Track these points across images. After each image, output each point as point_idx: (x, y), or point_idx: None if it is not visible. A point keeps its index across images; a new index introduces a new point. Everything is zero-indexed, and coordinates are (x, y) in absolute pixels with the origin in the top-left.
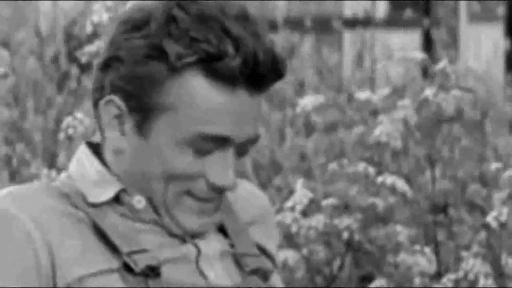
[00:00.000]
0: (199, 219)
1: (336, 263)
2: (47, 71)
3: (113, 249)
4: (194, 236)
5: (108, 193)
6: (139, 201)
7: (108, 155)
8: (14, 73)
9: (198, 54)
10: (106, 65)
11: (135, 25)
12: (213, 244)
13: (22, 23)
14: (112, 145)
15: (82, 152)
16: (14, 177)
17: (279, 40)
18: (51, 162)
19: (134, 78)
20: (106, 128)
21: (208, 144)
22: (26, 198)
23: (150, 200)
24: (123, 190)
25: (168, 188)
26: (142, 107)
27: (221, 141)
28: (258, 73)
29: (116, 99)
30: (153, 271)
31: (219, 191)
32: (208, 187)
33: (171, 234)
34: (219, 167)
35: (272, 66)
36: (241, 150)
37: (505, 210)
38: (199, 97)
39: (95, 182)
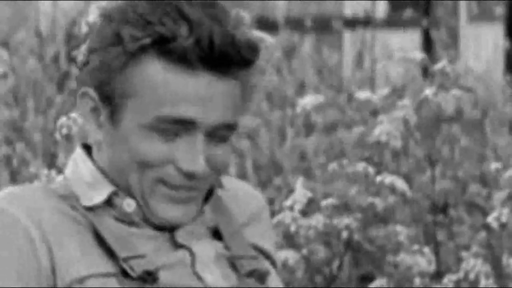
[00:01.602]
0: (175, 208)
1: (336, 263)
2: (47, 71)
3: (111, 253)
4: (187, 239)
5: (100, 196)
6: (128, 204)
7: (94, 152)
8: (14, 73)
9: (152, 36)
10: (86, 59)
11: (105, 16)
12: (208, 248)
13: (22, 23)
14: (92, 139)
15: (77, 154)
16: (15, 177)
17: (280, 40)
18: (51, 162)
19: (101, 67)
20: (84, 121)
21: (172, 127)
22: (25, 199)
23: (129, 192)
24: (115, 193)
25: (143, 177)
26: (110, 96)
27: (186, 125)
28: (216, 55)
29: (90, 91)
30: (150, 276)
31: (189, 177)
32: (178, 173)
33: (166, 239)
34: (187, 152)
35: (234, 49)
36: (218, 136)
37: (505, 210)
38: (157, 80)
39: (89, 184)
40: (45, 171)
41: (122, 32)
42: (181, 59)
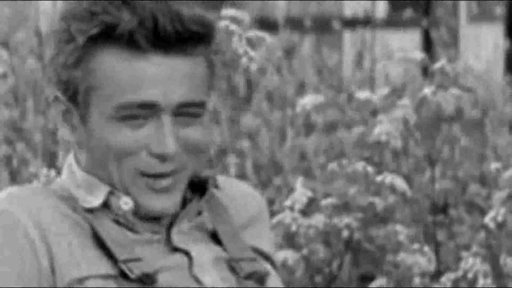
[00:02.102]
0: (158, 198)
1: (336, 262)
2: (47, 71)
3: (109, 255)
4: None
5: (98, 199)
6: (126, 203)
7: (77, 154)
8: (14, 73)
9: (99, 26)
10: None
11: (61, 16)
12: (206, 251)
13: (21, 23)
14: (69, 142)
15: (71, 159)
16: (15, 177)
17: (280, 40)
18: (51, 162)
19: (62, 67)
20: (59, 126)
21: (136, 113)
22: (25, 200)
23: (112, 185)
24: (111, 192)
25: (121, 169)
26: (75, 95)
27: (149, 108)
28: (162, 34)
29: (59, 94)
30: (148, 279)
31: (162, 159)
32: (151, 158)
33: (164, 243)
34: (156, 136)
35: (181, 25)
36: (186, 115)
37: (502, 210)
38: (112, 69)
39: (84, 188)
40: (44, 171)
41: (71, 28)
42: (129, 43)
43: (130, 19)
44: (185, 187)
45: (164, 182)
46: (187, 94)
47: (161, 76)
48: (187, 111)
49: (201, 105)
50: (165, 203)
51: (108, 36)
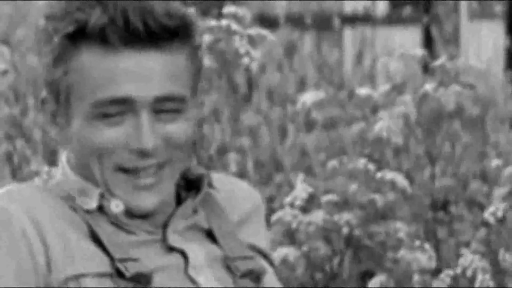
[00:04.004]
0: (141, 196)
1: (336, 259)
2: None
3: (106, 254)
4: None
5: (93, 202)
6: (117, 205)
7: (68, 157)
8: (15, 70)
9: (72, 24)
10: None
11: (44, 17)
12: (201, 251)
13: (22, 20)
14: (57, 142)
15: (63, 160)
16: (16, 174)
17: (280, 38)
18: (52, 159)
19: (45, 68)
20: (48, 127)
21: (113, 110)
22: (23, 197)
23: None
24: (102, 195)
25: (103, 168)
26: (59, 95)
27: (126, 105)
28: (133, 30)
29: (47, 95)
30: (143, 278)
31: (142, 155)
32: (131, 154)
33: (159, 243)
34: (133, 131)
35: (153, 20)
36: (166, 110)
37: (502, 205)
38: (87, 67)
39: (79, 190)
40: (45, 168)
41: (49, 27)
42: (102, 41)
43: (100, 16)
44: (173, 184)
45: (147, 180)
46: (164, 89)
47: (135, 71)
48: (166, 107)
49: (181, 99)
50: (149, 200)
51: (82, 34)
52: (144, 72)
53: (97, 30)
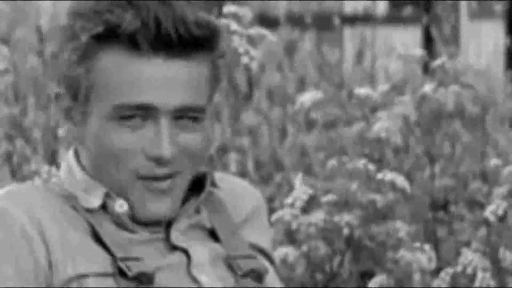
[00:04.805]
0: (155, 202)
1: (336, 259)
2: (47, 67)
3: (108, 253)
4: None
5: (96, 201)
6: (121, 205)
7: (79, 153)
8: (15, 70)
9: (102, 25)
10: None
11: (67, 14)
12: (204, 250)
13: (22, 19)
14: (71, 139)
15: (70, 157)
16: (16, 174)
17: (280, 37)
18: (52, 159)
19: (65, 64)
20: (61, 123)
21: (134, 115)
22: (24, 197)
23: (109, 186)
24: (107, 194)
25: (119, 172)
26: (77, 93)
27: (147, 111)
28: (164, 36)
29: (63, 91)
30: (146, 278)
31: (158, 162)
32: (148, 161)
33: (162, 242)
34: (152, 138)
35: (183, 29)
36: (186, 119)
37: (503, 203)
38: (112, 69)
39: (83, 189)
40: (45, 168)
41: (76, 25)
42: (131, 44)
43: (133, 20)
44: (183, 191)
45: (162, 184)
46: (187, 99)
47: (161, 79)
48: (187, 116)
49: (201, 110)
50: (162, 206)
51: (111, 35)
52: (168, 80)
53: (128, 34)
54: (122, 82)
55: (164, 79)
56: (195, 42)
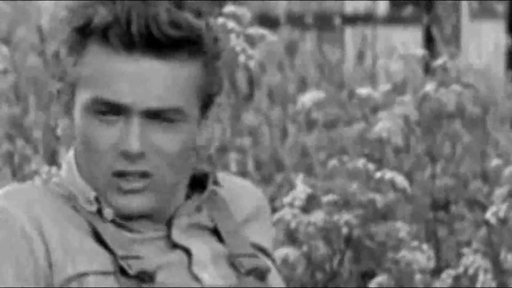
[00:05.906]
0: (124, 198)
1: (336, 259)
2: (48, 67)
3: (109, 252)
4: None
5: (92, 207)
6: (108, 213)
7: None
8: (15, 70)
9: (81, 18)
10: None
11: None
12: (206, 248)
13: (23, 19)
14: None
15: (70, 157)
16: (16, 173)
17: (281, 37)
18: (52, 159)
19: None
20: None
21: (109, 110)
22: (24, 197)
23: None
24: (97, 199)
25: (97, 168)
26: (71, 87)
27: (119, 108)
28: (135, 34)
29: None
30: (147, 276)
31: (126, 157)
32: (118, 156)
33: (164, 240)
34: (123, 134)
35: (156, 27)
36: (161, 119)
37: (504, 206)
38: (93, 62)
39: (80, 191)
40: (46, 168)
41: (66, 22)
42: (105, 40)
43: (105, 15)
44: (168, 195)
45: (134, 185)
46: (161, 99)
47: (135, 77)
48: (160, 116)
49: (179, 112)
50: (133, 204)
51: (88, 30)
52: (141, 80)
53: (101, 29)
54: (98, 76)
55: (135, 78)
56: (169, 42)
